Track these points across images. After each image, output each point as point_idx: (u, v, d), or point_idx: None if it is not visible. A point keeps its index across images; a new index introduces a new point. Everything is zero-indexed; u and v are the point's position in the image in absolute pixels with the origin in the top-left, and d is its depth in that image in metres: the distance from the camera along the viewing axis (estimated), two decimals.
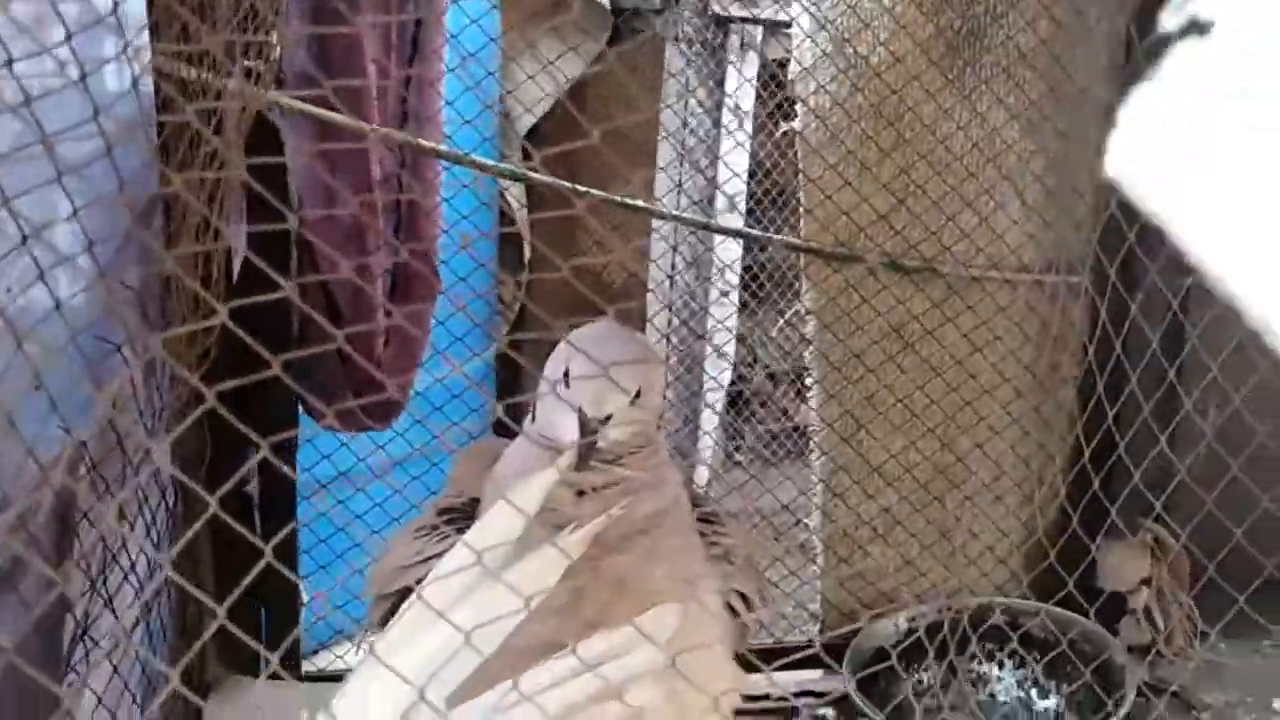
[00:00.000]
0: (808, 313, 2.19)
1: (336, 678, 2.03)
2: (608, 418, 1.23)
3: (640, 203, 2.39)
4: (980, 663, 2.20)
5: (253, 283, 1.12)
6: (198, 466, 1.74)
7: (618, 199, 2.07)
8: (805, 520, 2.35)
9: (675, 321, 3.11)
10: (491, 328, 2.90)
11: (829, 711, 2.13)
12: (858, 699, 1.96)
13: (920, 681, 2.17)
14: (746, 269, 3.27)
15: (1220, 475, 1.66)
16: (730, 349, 3.20)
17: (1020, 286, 2.14)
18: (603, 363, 1.22)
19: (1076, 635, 2.09)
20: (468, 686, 1.08)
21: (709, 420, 3.24)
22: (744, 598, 1.33)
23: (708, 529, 1.36)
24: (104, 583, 1.46)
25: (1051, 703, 2.10)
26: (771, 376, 3.63)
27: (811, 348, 2.18)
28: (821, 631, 2.29)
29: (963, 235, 2.10)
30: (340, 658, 2.25)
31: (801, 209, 2.14)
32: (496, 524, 1.15)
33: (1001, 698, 2.16)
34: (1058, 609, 2.13)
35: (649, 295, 2.99)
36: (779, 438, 3.52)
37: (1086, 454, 1.77)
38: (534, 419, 1.32)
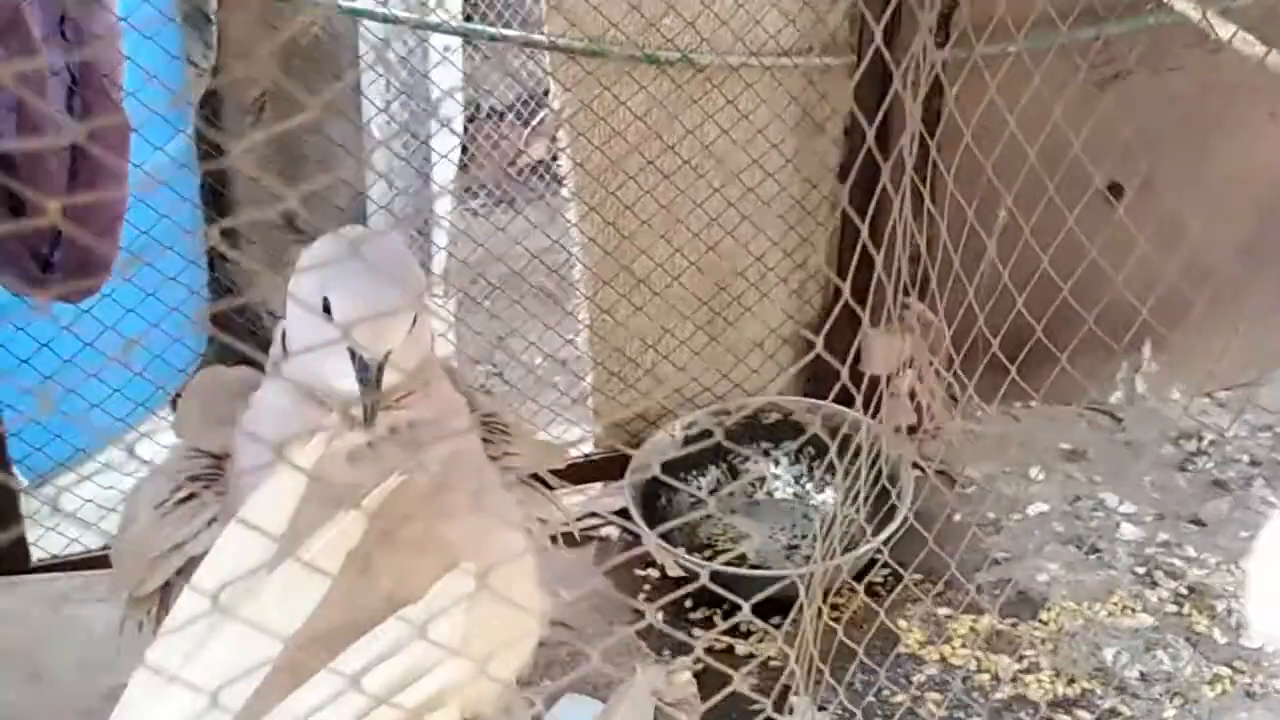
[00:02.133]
0: (558, 117, 2.01)
1: (70, 565, 1.82)
2: (387, 355, 1.00)
3: None
4: (756, 463, 2.18)
5: None
6: None
7: None
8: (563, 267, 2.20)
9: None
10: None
11: (612, 531, 2.07)
12: (635, 512, 1.91)
13: (699, 488, 2.13)
14: None
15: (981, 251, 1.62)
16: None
17: (780, 73, 2.01)
18: (370, 287, 1.00)
19: (848, 426, 2.08)
20: (260, 697, 0.93)
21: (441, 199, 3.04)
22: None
23: (495, 448, 1.20)
24: None
25: (828, 495, 2.11)
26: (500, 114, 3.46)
27: (565, 157, 2.01)
28: (596, 446, 2.21)
29: (720, 23, 1.94)
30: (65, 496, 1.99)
31: (544, 4, 1.93)
32: (266, 504, 0.97)
33: (779, 495, 2.15)
34: (828, 402, 2.12)
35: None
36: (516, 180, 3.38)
37: (856, 242, 1.70)
38: (285, 352, 1.08)
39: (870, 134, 1.15)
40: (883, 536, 1.85)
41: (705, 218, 2.05)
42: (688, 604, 1.93)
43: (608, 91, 1.93)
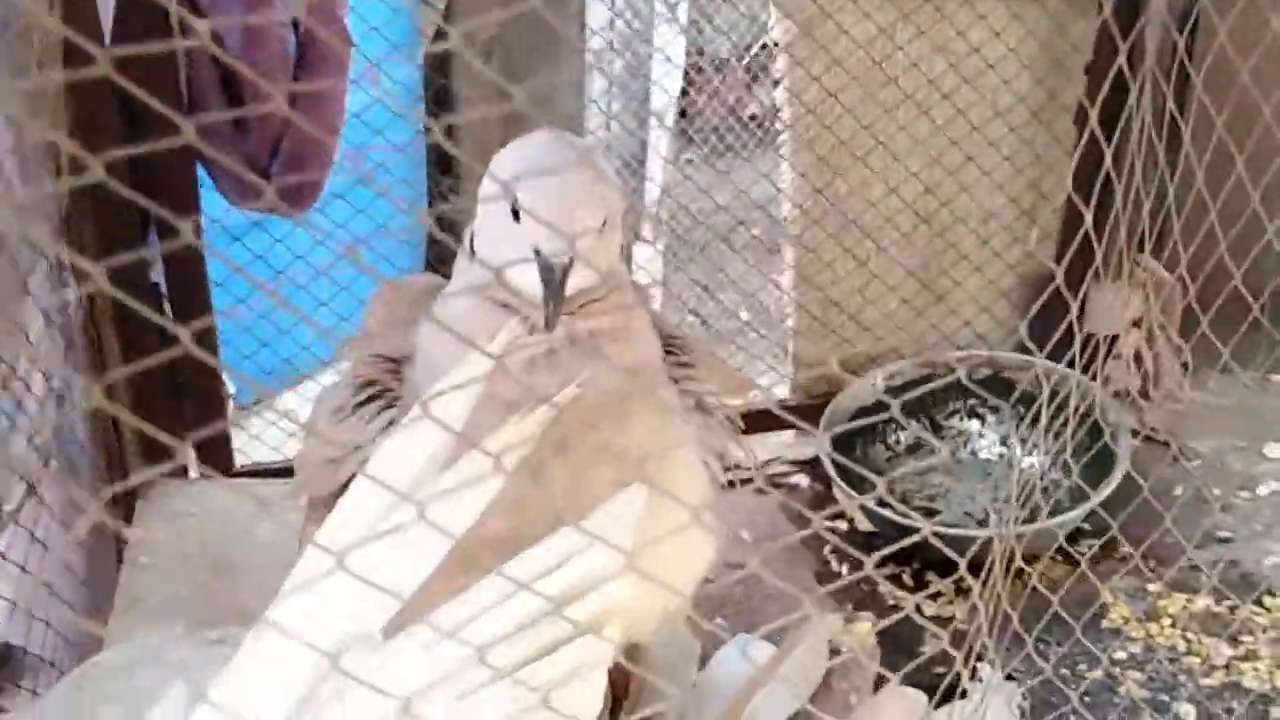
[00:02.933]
0: (775, 46, 1.93)
1: (269, 473, 1.88)
2: (571, 260, 0.97)
3: None
4: (962, 419, 2.08)
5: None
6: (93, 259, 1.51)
7: None
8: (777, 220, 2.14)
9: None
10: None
11: (802, 479, 2.01)
12: (829, 461, 1.84)
13: (898, 442, 2.05)
14: None
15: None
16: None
17: (1017, 4, 1.89)
18: (558, 188, 0.98)
19: (1063, 387, 1.96)
20: (423, 596, 0.92)
21: (658, 138, 3.02)
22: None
23: (678, 370, 1.15)
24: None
25: (1036, 460, 1.99)
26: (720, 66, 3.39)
27: (781, 87, 1.94)
28: (793, 393, 2.15)
29: None
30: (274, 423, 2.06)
31: None
32: (444, 400, 0.96)
33: (984, 455, 2.05)
34: (1045, 360, 2.00)
35: None
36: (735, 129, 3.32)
37: (1089, 191, 1.58)
38: (472, 254, 1.05)
39: (1114, 70, 1.05)
40: (1093, 503, 1.74)
41: (926, 157, 1.95)
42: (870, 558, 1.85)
43: (830, 19, 1.85)
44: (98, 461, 1.63)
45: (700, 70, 3.31)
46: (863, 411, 1.99)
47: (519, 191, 0.98)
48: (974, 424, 2.06)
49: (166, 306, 1.72)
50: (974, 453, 2.06)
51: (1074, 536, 1.82)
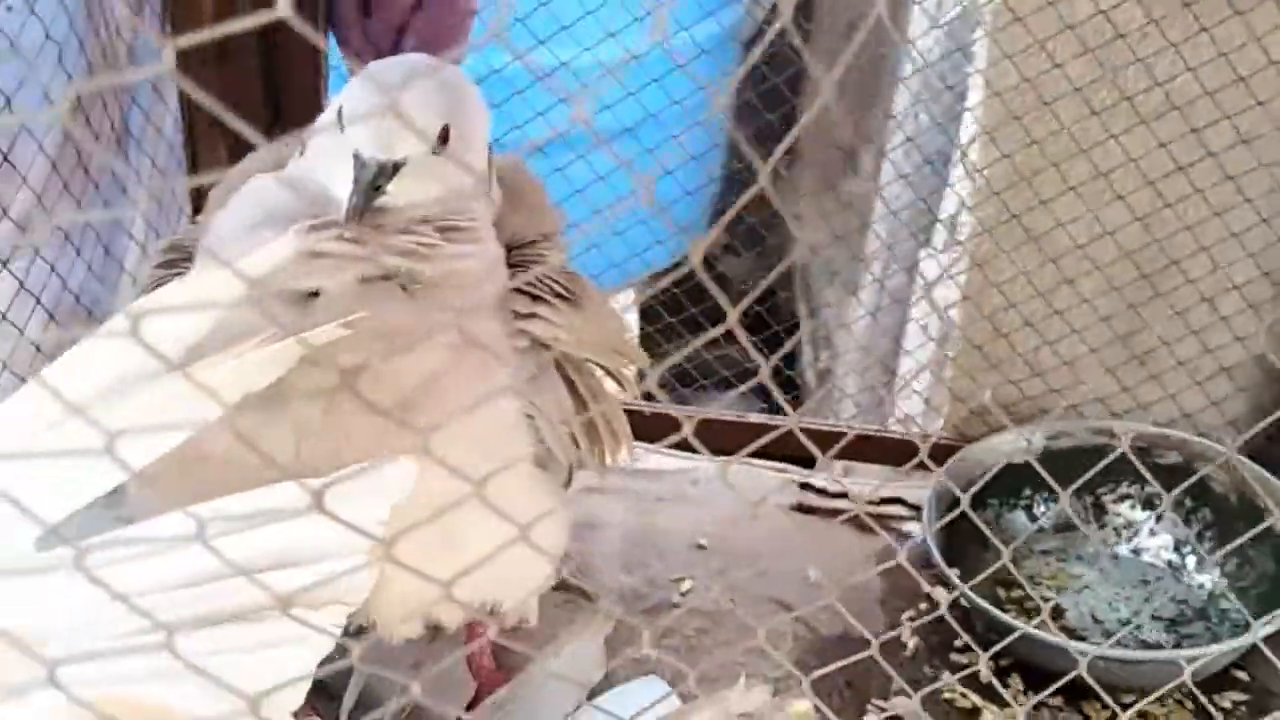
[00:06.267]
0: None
1: None
2: (396, 167, 0.85)
3: None
4: (1133, 507, 1.69)
5: None
6: None
7: None
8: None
9: None
10: None
11: (915, 527, 1.68)
12: (928, 516, 1.51)
13: (1044, 513, 1.68)
14: None
15: None
16: None
17: None
18: (385, 90, 0.88)
19: (1270, 499, 1.54)
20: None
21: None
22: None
23: (524, 305, 0.94)
24: None
25: (1209, 579, 1.58)
26: None
27: (976, 73, 1.62)
28: (945, 428, 1.82)
29: None
30: None
31: None
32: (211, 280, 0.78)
33: (1147, 558, 1.65)
34: (1254, 462, 1.59)
35: None
36: None
37: None
38: (300, 156, 0.95)
39: None
40: (1249, 637, 1.35)
41: (1139, 177, 1.58)
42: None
43: None
44: None
45: None
46: (1008, 469, 1.65)
47: (344, 96, 0.92)
48: (1146, 516, 1.67)
49: None
50: (1136, 551, 1.66)
51: (1217, 682, 1.43)
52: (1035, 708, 1.38)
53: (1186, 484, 1.19)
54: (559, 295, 0.97)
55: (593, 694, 1.12)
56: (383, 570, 0.77)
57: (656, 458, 1.63)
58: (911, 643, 1.49)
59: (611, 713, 0.94)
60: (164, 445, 0.74)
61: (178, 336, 0.76)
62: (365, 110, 0.87)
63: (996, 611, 1.42)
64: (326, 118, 0.93)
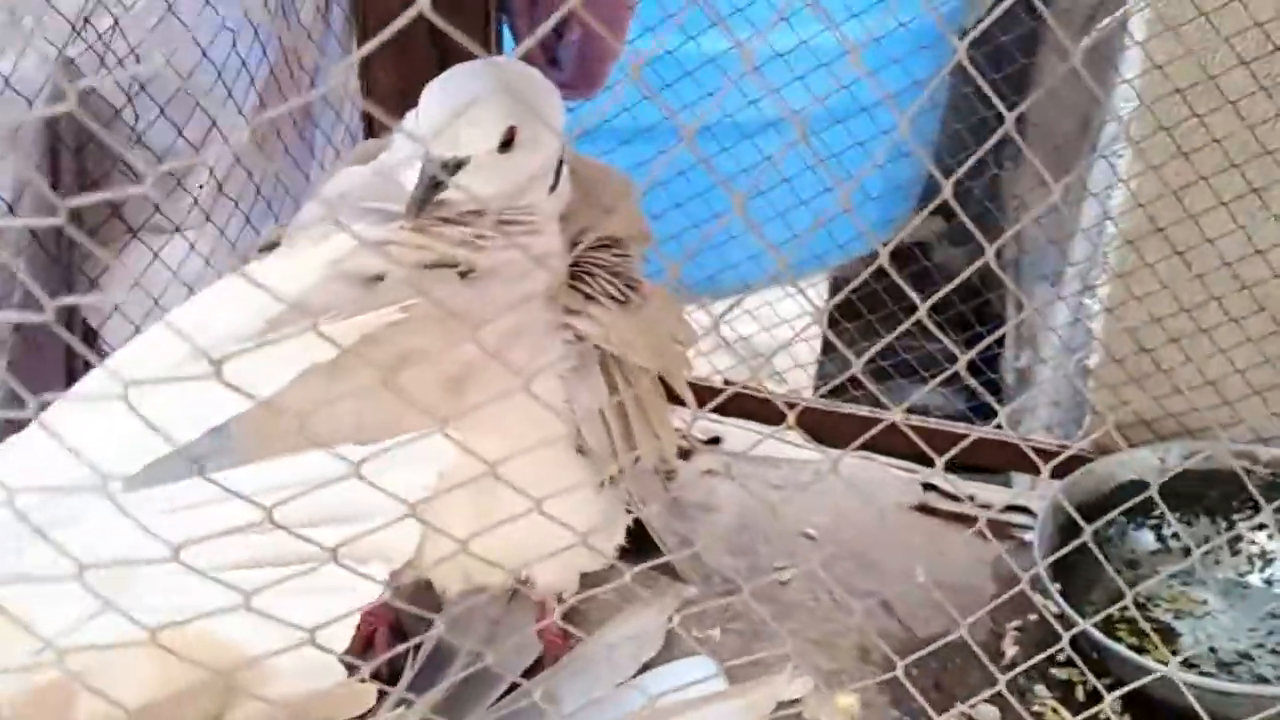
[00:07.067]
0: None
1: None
2: (459, 164, 0.92)
3: None
4: (1271, 537, 1.62)
5: None
6: None
7: None
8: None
9: None
10: None
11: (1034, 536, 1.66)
12: (1043, 529, 1.49)
13: (1176, 537, 1.64)
14: None
15: None
16: None
17: None
18: (452, 92, 0.94)
19: None
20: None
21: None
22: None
23: (573, 298, 0.99)
24: None
25: None
26: None
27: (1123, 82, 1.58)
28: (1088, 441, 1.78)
29: None
30: None
31: None
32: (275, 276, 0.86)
33: (1279, 589, 1.59)
34: None
35: None
36: None
37: None
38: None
39: None
40: None
41: None
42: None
43: None
44: None
45: None
46: (1135, 486, 1.61)
47: (426, 95, 0.96)
48: None
49: None
50: (1269, 581, 1.60)
51: None
52: None
53: None
54: (612, 297, 1.02)
55: (647, 668, 1.17)
56: (424, 532, 0.84)
57: (775, 445, 1.66)
58: (1010, 651, 1.49)
59: (648, 688, 0.99)
60: (243, 404, 0.83)
61: (257, 309, 0.84)
62: (437, 109, 0.93)
63: (1109, 641, 1.39)
64: (412, 115, 0.99)
